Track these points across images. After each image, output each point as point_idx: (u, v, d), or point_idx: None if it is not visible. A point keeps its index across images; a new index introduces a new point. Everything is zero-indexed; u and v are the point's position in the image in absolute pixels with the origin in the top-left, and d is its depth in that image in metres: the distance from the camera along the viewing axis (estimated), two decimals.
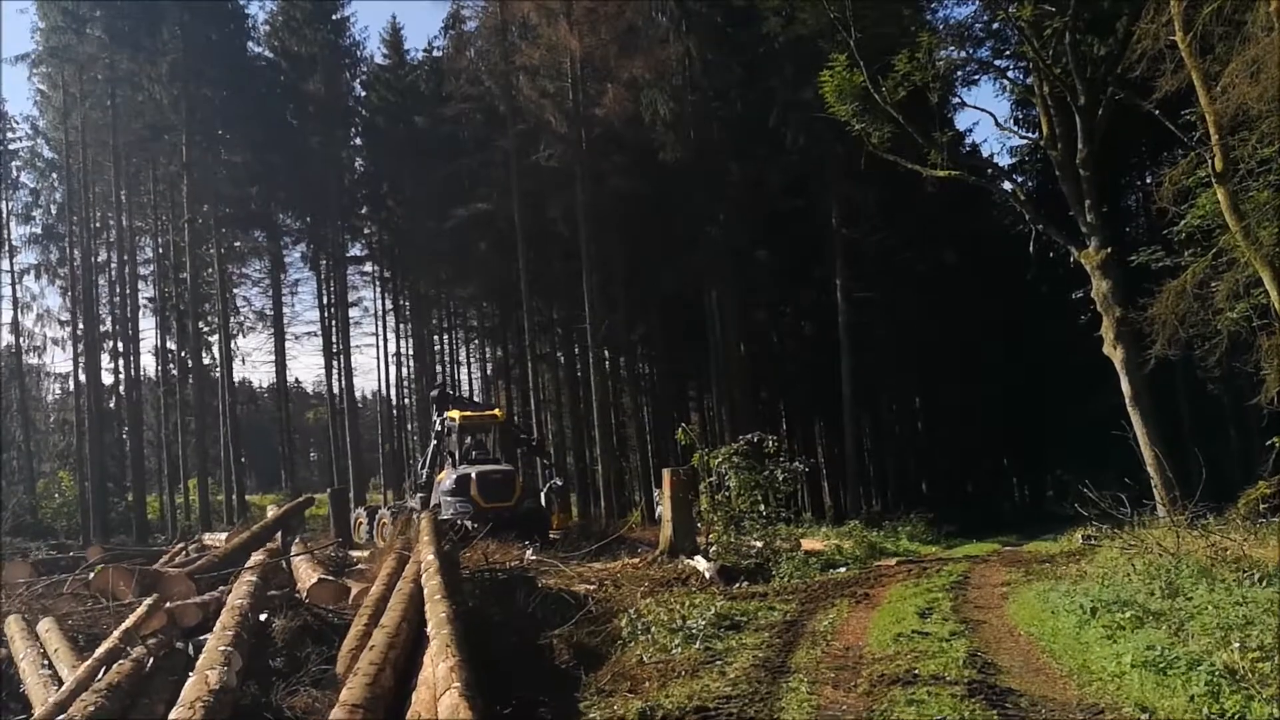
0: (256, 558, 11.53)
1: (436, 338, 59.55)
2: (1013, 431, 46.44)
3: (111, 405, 55.39)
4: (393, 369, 58.94)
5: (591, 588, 16.44)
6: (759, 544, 19.90)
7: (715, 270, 37.52)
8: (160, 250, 51.94)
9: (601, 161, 36.79)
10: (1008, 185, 31.05)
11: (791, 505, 29.72)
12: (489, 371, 61.64)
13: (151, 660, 7.41)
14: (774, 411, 48.73)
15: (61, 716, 6.31)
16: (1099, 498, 14.13)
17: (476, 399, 50.61)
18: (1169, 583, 10.72)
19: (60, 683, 7.56)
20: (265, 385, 78.46)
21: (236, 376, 70.19)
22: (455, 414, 25.51)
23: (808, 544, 22.22)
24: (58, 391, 67.27)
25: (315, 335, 54.48)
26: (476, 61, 42.47)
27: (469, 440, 25.79)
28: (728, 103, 37.26)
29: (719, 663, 9.36)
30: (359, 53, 52.65)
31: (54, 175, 52.52)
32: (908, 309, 38.26)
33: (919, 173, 27.26)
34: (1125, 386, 23.26)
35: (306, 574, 12.09)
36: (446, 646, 7.71)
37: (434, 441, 26.99)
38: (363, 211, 54.36)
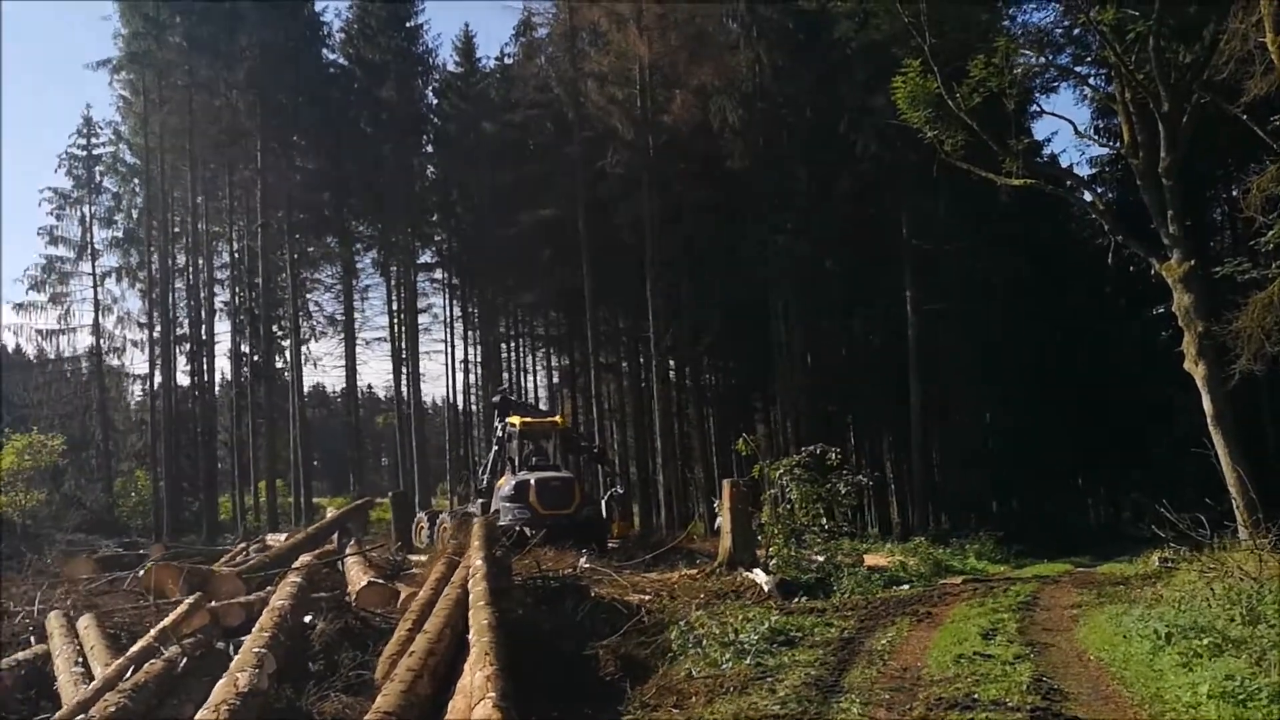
0: (304, 559, 11.41)
1: (504, 345, 59.70)
2: (1089, 450, 45.14)
3: (188, 407, 56.43)
4: (461, 375, 59.22)
5: (646, 598, 16.14)
6: (820, 558, 19.50)
7: (782, 280, 37.05)
8: (235, 254, 52.81)
9: (668, 169, 36.55)
10: (1086, 195, 30.11)
11: (857, 520, 29.36)
12: (555, 380, 61.70)
13: (185, 660, 7.27)
14: (841, 424, 48.04)
15: (82, 716, 6.16)
16: (1176, 519, 13.48)
17: (542, 406, 50.61)
18: (1250, 609, 10.10)
19: (91, 680, 7.46)
20: (337, 390, 79.35)
21: (309, 381, 71.32)
22: (516, 420, 25.40)
23: (871, 559, 21.74)
24: (137, 393, 68.66)
25: (385, 341, 55.03)
26: (546, 68, 42.54)
27: (530, 447, 25.65)
28: (797, 110, 36.79)
29: (770, 680, 9.02)
30: (431, 60, 52.97)
31: (135, 180, 53.62)
32: (980, 322, 37.33)
33: (993, 182, 26.54)
34: (1207, 404, 22.36)
35: (357, 577, 11.96)
36: (485, 655, 7.47)
37: (495, 447, 26.91)
38: (433, 219, 54.66)
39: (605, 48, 36.08)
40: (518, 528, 23.35)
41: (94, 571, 15.93)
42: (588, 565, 15.74)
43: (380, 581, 11.60)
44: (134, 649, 7.71)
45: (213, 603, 9.11)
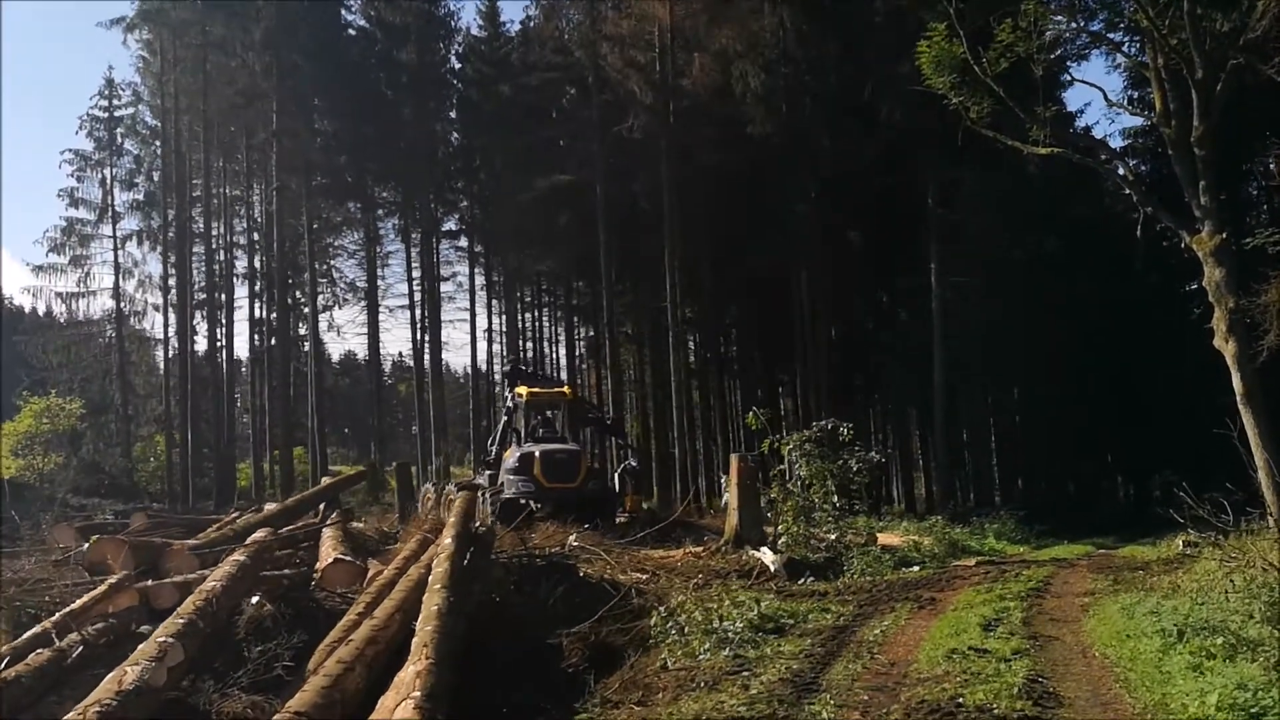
0: (258, 535, 10.83)
1: (528, 315, 59.11)
2: (1117, 428, 44.14)
3: (208, 372, 56.40)
4: (484, 345, 58.75)
5: (644, 577, 15.57)
6: (831, 537, 18.87)
7: (805, 251, 36.20)
8: (256, 219, 52.42)
9: (688, 135, 35.70)
10: (1117, 166, 29.04)
11: (872, 496, 28.61)
12: (580, 351, 61.10)
13: (81, 649, 6.66)
14: (867, 399, 47.30)
15: None
16: (1197, 502, 12.68)
17: (561, 376, 50.11)
18: (1271, 603, 9.34)
19: None
20: (362, 357, 79.12)
21: (340, 349, 71.08)
22: (523, 389, 24.78)
23: (885, 538, 21.09)
24: (159, 357, 68.76)
25: (408, 309, 54.50)
26: (567, 30, 41.67)
27: (538, 418, 25.07)
28: (821, 76, 35.73)
29: (746, 673, 8.37)
30: (453, 23, 52.22)
31: (156, 142, 53.25)
32: (1008, 296, 36.34)
33: (1020, 151, 25.64)
34: (1236, 382, 21.43)
35: (326, 553, 11.41)
36: (424, 646, 6.88)
37: (504, 418, 26.35)
38: (456, 185, 53.95)
39: (626, 10, 35.20)
40: (521, 501, 22.89)
41: (76, 540, 15.38)
42: (577, 543, 15.13)
43: (347, 559, 11.00)
44: (27, 635, 7.11)
45: (148, 582, 8.56)
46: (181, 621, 6.80)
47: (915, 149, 33.47)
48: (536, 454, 22.83)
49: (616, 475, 26.78)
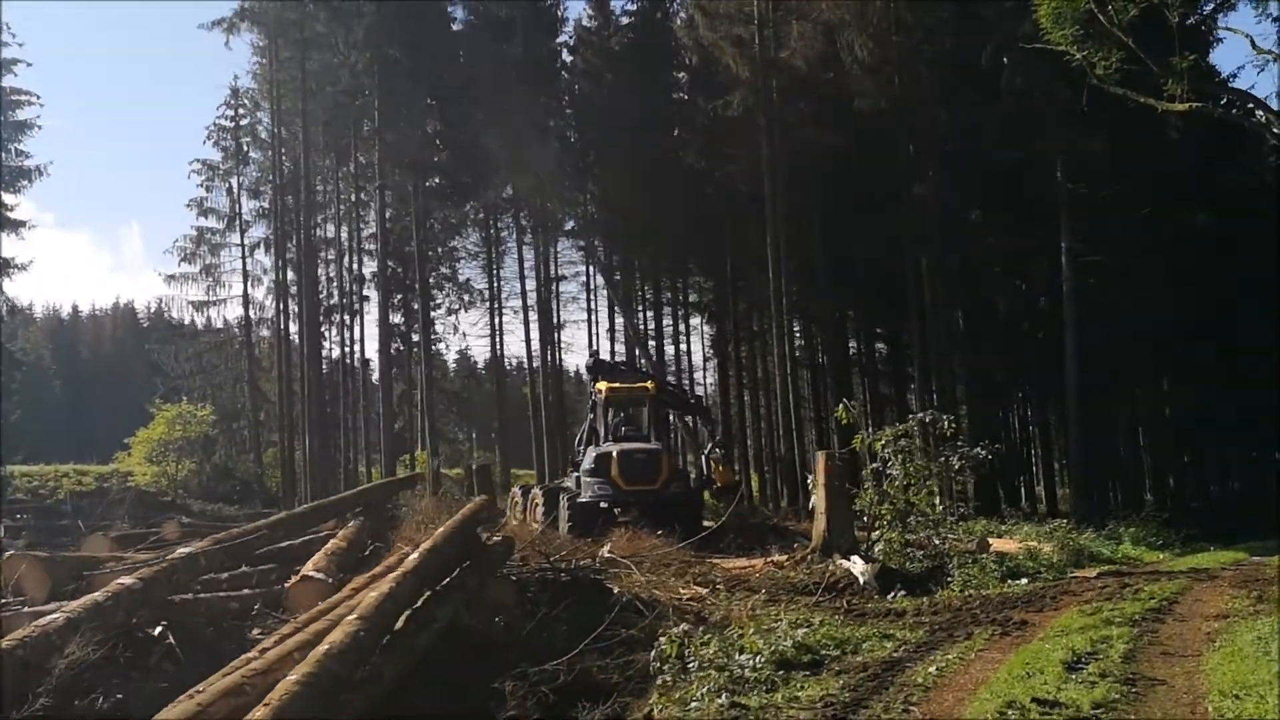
0: (179, 551, 9.44)
1: (650, 312, 57.52)
2: None
3: (333, 378, 56.82)
4: (607, 344, 57.43)
5: (701, 593, 13.79)
6: (938, 543, 16.74)
7: (923, 234, 33.70)
8: (365, 224, 52.27)
9: (789, 113, 33.62)
10: (1261, 115, 25.74)
11: (1010, 496, 26.19)
12: (706, 348, 59.30)
13: None
14: (1007, 393, 44.45)
15: None
16: None
17: (696, 376, 48.89)
18: None
19: None
20: (484, 360, 78.97)
21: (459, 351, 71.40)
22: (603, 385, 23.22)
23: (1002, 544, 18.78)
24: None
25: (531, 310, 53.59)
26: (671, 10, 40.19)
27: (620, 415, 23.50)
28: (936, 43, 33.18)
29: None
30: (561, 12, 51.04)
31: (281, 150, 53.67)
32: (1150, 277, 33.16)
33: (1156, 111, 23.03)
34: None
35: (306, 569, 10.00)
36: (266, 706, 5.29)
37: (590, 415, 24.86)
38: (572, 182, 52.74)
39: None
40: (601, 504, 21.36)
41: (110, 550, 14.40)
42: (609, 554, 13.43)
43: (317, 576, 9.55)
44: None
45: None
46: None
47: (1040, 117, 30.69)
48: (614, 454, 21.26)
49: (704, 457, 25.25)
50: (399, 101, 42.02)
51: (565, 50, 51.65)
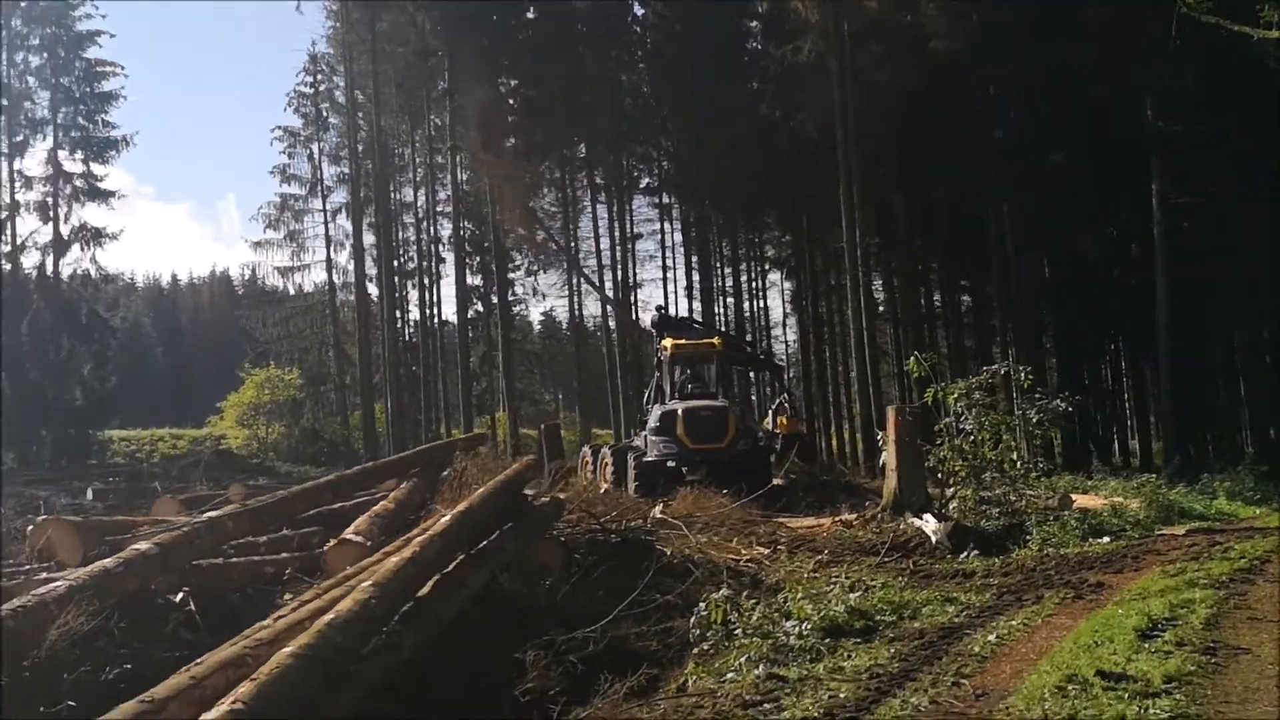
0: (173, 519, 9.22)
1: (729, 269, 56.74)
2: None
3: (416, 339, 57.35)
4: (685, 302, 56.85)
5: (765, 552, 13.34)
6: (1015, 500, 15.98)
7: (1004, 179, 32.46)
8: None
9: (861, 55, 32.57)
10: None
11: (1081, 450, 25.13)
12: (785, 305, 58.47)
13: None
14: (1091, 341, 42.90)
15: None
16: None
17: (774, 333, 48.23)
18: None
19: None
20: (564, 319, 78.99)
21: (543, 312, 71.54)
22: (668, 342, 22.73)
23: (1086, 500, 17.92)
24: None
25: (606, 268, 53.24)
26: None
27: (686, 372, 23.03)
28: None
29: (767, 706, 6.10)
30: None
31: (359, 114, 53.91)
32: (1247, 219, 31.47)
33: (1250, 40, 21.66)
34: None
35: (347, 532, 9.75)
36: (250, 682, 4.97)
37: (656, 373, 24.42)
38: (646, 138, 52.01)
39: None
40: (669, 463, 20.99)
41: (179, 512, 14.37)
42: (661, 514, 13.00)
43: (356, 539, 9.31)
44: None
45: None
46: None
47: (1127, 52, 29.18)
48: (679, 412, 20.84)
49: (771, 410, 24.74)
50: (472, 60, 41.65)
51: (636, 2, 50.87)
